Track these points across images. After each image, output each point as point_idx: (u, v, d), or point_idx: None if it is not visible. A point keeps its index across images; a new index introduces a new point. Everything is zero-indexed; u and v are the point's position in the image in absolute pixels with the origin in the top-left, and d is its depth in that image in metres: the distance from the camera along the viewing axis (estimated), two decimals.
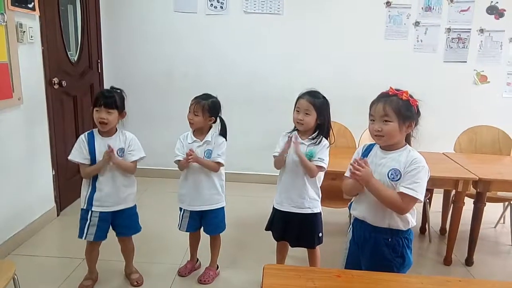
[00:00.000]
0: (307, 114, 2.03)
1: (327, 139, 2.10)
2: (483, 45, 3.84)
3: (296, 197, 2.11)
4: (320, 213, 2.17)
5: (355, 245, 1.73)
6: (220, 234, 2.41)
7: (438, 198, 3.15)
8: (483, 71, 3.90)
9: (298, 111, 2.06)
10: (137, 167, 2.22)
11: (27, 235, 2.80)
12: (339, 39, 3.87)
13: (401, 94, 1.54)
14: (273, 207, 2.23)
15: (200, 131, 2.25)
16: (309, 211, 2.12)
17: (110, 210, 2.16)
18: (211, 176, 2.25)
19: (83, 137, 2.15)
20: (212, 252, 2.44)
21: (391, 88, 1.58)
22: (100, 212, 2.14)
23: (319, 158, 2.04)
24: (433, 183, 2.60)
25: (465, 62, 3.88)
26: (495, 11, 3.78)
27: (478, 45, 3.84)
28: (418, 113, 1.59)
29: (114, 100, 2.09)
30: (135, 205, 2.28)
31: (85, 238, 2.16)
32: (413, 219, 1.63)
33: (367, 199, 1.64)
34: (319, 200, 2.16)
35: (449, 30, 3.82)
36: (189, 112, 2.21)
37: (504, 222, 3.34)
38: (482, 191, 2.54)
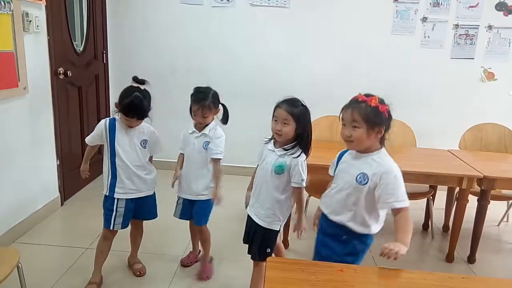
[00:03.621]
0: (285, 124, 1.87)
1: (306, 152, 1.91)
2: (491, 42, 3.80)
3: (258, 207, 2.00)
4: (276, 232, 2.00)
5: (321, 235, 1.75)
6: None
7: (441, 195, 3.14)
8: (490, 68, 3.86)
9: (276, 121, 1.91)
10: None
11: (31, 224, 2.82)
12: (346, 34, 3.85)
13: (370, 101, 1.53)
14: None
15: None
16: (264, 224, 1.98)
17: (133, 197, 2.19)
18: (205, 168, 2.25)
19: (103, 126, 2.13)
20: (203, 246, 2.43)
21: (360, 94, 1.57)
22: (126, 200, 2.17)
23: (301, 179, 1.89)
24: (437, 180, 2.61)
25: (473, 58, 3.85)
26: (504, 8, 3.74)
27: (486, 42, 3.81)
28: (390, 117, 1.57)
29: (145, 112, 2.07)
30: (155, 192, 2.30)
31: (113, 228, 2.18)
32: (375, 226, 1.63)
33: (332, 195, 1.67)
34: (282, 220, 1.99)
35: (457, 26, 3.79)
36: (196, 116, 2.18)
37: (507, 221, 3.33)
38: (487, 188, 2.53)
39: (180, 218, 2.39)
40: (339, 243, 1.65)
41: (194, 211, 2.33)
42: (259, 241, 2.01)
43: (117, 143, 2.12)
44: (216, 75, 3.88)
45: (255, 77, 3.97)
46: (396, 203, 1.51)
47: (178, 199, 2.37)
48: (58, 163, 3.16)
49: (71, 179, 3.35)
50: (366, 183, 1.55)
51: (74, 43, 3.38)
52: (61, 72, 3.11)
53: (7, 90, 2.50)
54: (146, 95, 2.08)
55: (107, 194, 2.17)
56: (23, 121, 2.73)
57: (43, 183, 3.01)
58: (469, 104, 3.89)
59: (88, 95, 3.63)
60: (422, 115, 3.82)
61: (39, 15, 2.78)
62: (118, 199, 2.15)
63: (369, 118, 1.52)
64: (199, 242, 2.46)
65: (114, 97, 3.51)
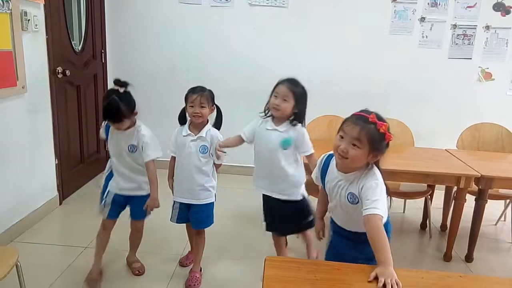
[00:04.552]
0: (285, 100, 1.99)
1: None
2: (488, 42, 3.82)
3: (273, 184, 2.11)
4: (305, 200, 2.15)
5: (337, 238, 1.72)
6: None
7: (439, 194, 3.15)
8: (488, 68, 3.88)
9: (276, 97, 2.02)
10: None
11: (29, 223, 2.82)
12: (344, 33, 3.85)
13: (380, 126, 1.44)
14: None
15: (199, 125, 2.21)
16: (287, 197, 2.11)
17: (123, 194, 2.22)
18: (201, 172, 2.23)
19: (103, 127, 2.23)
20: (196, 253, 2.38)
21: (373, 114, 1.46)
22: (115, 194, 2.21)
23: (310, 146, 2.08)
24: (435, 179, 2.62)
25: (470, 59, 3.86)
26: (501, 8, 3.75)
27: (484, 42, 3.82)
28: (387, 146, 1.50)
29: (119, 115, 2.03)
30: (148, 194, 2.25)
31: (101, 215, 2.25)
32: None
33: (337, 211, 1.65)
34: (300, 186, 2.13)
35: (454, 26, 3.80)
36: (193, 106, 2.14)
37: (505, 220, 3.34)
38: (484, 188, 2.54)
39: (177, 222, 2.35)
40: (358, 245, 1.58)
41: (191, 215, 2.30)
42: (296, 215, 2.12)
43: (108, 144, 2.17)
44: (215, 74, 3.88)
45: (254, 76, 3.97)
46: (366, 210, 1.43)
47: (174, 204, 2.33)
48: (56, 162, 3.16)
49: (70, 178, 3.35)
50: (358, 202, 1.52)
51: (72, 42, 3.37)
52: (59, 71, 3.11)
53: (6, 89, 2.50)
54: (124, 98, 2.03)
55: (102, 184, 2.25)
56: (21, 120, 2.73)
57: (42, 182, 3.01)
58: (467, 104, 3.91)
59: (87, 94, 3.63)
60: (420, 114, 3.83)
61: (37, 14, 2.78)
62: (109, 191, 2.22)
63: (374, 143, 1.45)
64: (194, 247, 2.44)
65: None
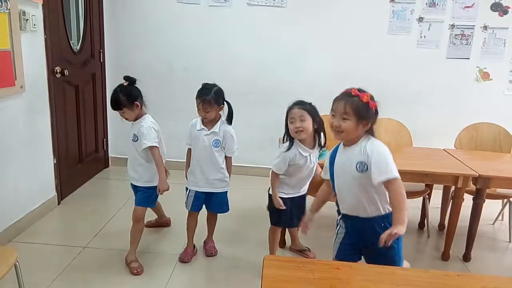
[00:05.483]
0: (302, 120, 2.11)
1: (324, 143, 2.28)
2: (486, 42, 3.82)
3: (304, 186, 2.36)
4: None
5: (349, 236, 1.80)
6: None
7: (437, 194, 3.16)
8: (485, 68, 3.89)
9: (292, 122, 2.13)
10: None
11: (28, 223, 2.82)
12: (342, 34, 3.86)
13: (362, 96, 1.63)
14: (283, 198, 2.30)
15: (211, 120, 2.37)
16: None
17: (131, 182, 2.48)
18: (215, 163, 2.39)
19: None
20: (211, 227, 2.62)
21: (354, 89, 1.66)
22: (131, 182, 2.49)
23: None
24: (433, 179, 2.63)
25: (468, 59, 3.87)
26: (499, 8, 3.76)
27: (482, 42, 3.83)
28: (376, 113, 1.67)
29: (118, 103, 2.28)
30: (147, 187, 2.39)
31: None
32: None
33: (348, 199, 1.74)
34: None
35: (452, 26, 3.81)
36: (199, 110, 2.32)
37: (502, 219, 3.35)
38: (482, 187, 2.55)
39: (191, 210, 2.47)
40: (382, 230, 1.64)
41: (213, 201, 2.47)
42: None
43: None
44: (213, 74, 3.84)
45: (253, 76, 3.97)
46: (385, 175, 1.58)
47: (189, 192, 2.45)
48: (55, 162, 3.15)
49: (68, 178, 3.34)
50: (367, 169, 1.62)
51: (71, 42, 3.37)
52: (58, 71, 3.10)
53: (4, 89, 2.49)
54: (124, 91, 2.29)
55: None
56: (20, 119, 2.72)
57: (40, 182, 3.00)
58: (465, 104, 3.91)
59: (85, 94, 3.62)
60: (418, 114, 3.84)
61: (36, 13, 2.78)
62: None
63: (359, 112, 1.62)
64: (208, 223, 2.61)
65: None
